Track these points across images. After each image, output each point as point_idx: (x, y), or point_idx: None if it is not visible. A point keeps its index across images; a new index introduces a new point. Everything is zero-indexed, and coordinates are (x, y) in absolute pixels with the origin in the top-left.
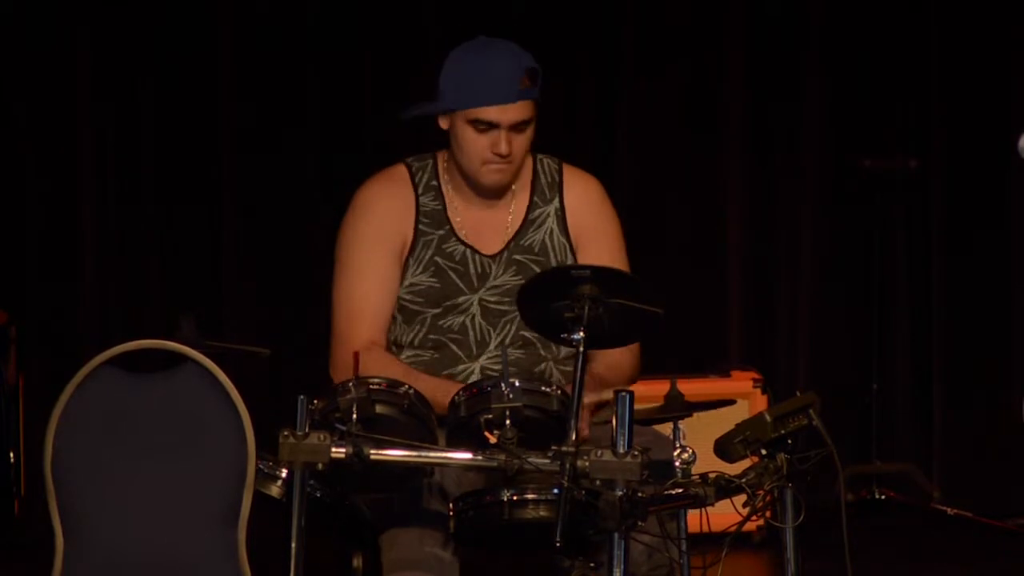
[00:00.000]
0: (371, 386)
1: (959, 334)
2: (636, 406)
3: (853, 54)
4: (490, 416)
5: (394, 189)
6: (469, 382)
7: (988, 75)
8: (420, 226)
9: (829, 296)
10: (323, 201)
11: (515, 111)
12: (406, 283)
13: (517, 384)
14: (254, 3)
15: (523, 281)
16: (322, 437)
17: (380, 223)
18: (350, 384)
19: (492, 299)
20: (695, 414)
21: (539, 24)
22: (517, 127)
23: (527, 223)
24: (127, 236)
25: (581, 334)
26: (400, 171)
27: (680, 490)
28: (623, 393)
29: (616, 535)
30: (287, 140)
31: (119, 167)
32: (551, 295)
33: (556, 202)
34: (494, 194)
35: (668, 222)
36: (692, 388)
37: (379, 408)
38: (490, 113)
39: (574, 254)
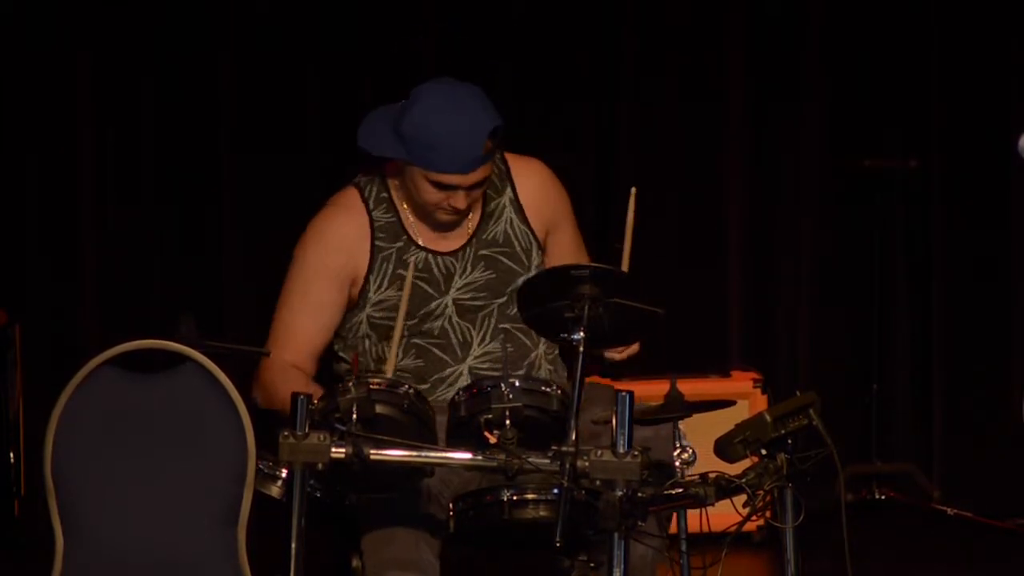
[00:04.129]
0: (371, 386)
1: (959, 334)
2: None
3: (853, 54)
4: (490, 416)
5: (345, 216)
6: (468, 383)
7: (988, 75)
8: (376, 242)
9: (829, 296)
10: (324, 201)
11: (475, 175)
12: (372, 301)
13: (517, 384)
14: (255, 3)
15: (494, 275)
16: (322, 437)
17: (326, 256)
18: (350, 384)
19: (466, 296)
20: (695, 414)
21: (539, 24)
22: (476, 184)
23: (485, 216)
24: (127, 236)
25: (581, 334)
26: (350, 194)
27: (680, 490)
28: (623, 393)
29: (616, 535)
30: (287, 140)
31: (119, 167)
32: (551, 295)
33: (509, 191)
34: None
35: (668, 222)
36: (692, 388)
37: (379, 408)
38: (452, 179)
39: (538, 240)
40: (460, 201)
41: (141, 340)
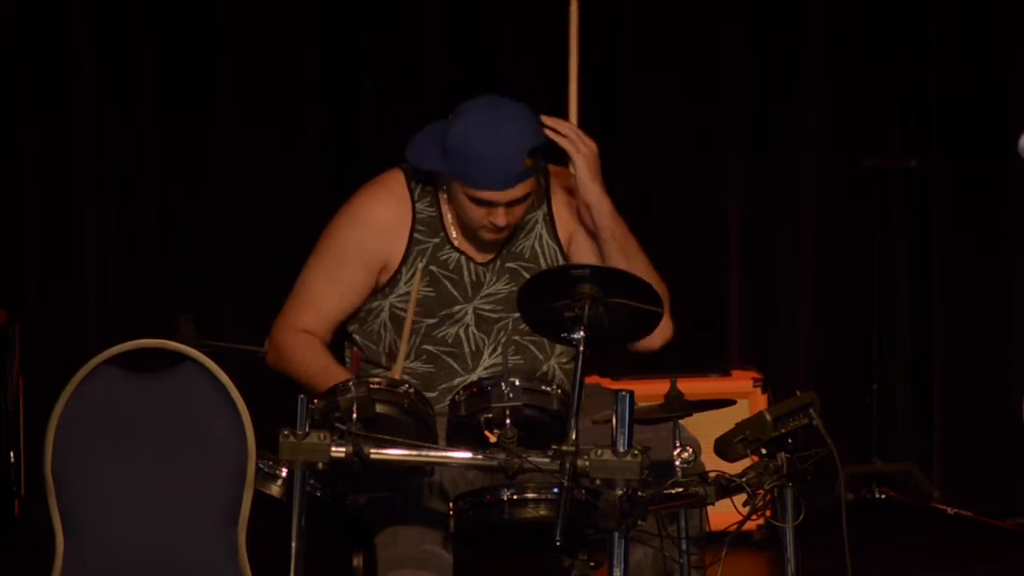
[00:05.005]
0: (371, 385)
1: (959, 334)
2: (636, 405)
3: (853, 54)
4: (490, 415)
5: (390, 200)
6: (469, 382)
7: (988, 75)
8: (415, 235)
9: (829, 296)
10: (324, 201)
11: (513, 192)
12: (399, 292)
13: (517, 383)
14: (255, 3)
15: (516, 289)
16: (322, 437)
17: (363, 239)
18: (350, 384)
19: (486, 307)
20: (695, 414)
21: (539, 24)
22: (516, 201)
23: (517, 229)
24: (127, 236)
25: (581, 334)
26: (396, 178)
27: (680, 490)
28: (623, 393)
29: (616, 535)
30: (288, 140)
31: (119, 167)
32: (551, 295)
33: (544, 207)
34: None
35: (668, 222)
36: (692, 388)
37: (379, 408)
38: (489, 195)
39: (565, 258)
40: (500, 218)
41: (141, 340)
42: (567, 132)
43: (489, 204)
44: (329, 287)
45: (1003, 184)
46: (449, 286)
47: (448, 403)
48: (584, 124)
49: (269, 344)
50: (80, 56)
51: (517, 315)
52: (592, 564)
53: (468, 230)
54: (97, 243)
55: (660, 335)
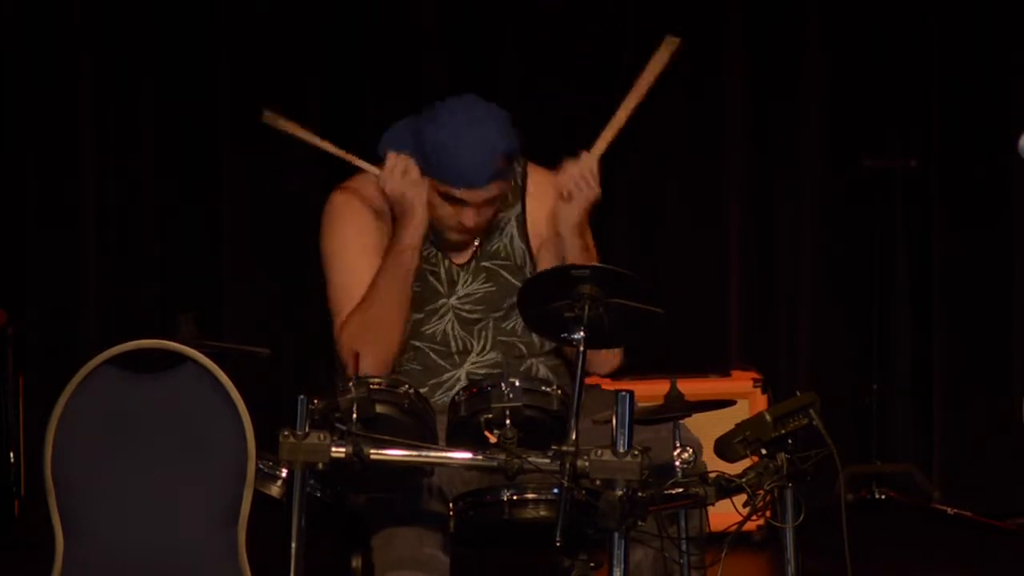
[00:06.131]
0: (371, 386)
1: (959, 334)
2: (636, 405)
3: (853, 54)
4: (490, 416)
5: (368, 192)
6: (469, 382)
7: (988, 75)
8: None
9: (829, 296)
10: (323, 202)
11: (485, 191)
12: None
13: (517, 384)
14: (255, 4)
15: (494, 288)
16: (322, 437)
17: (361, 223)
18: (350, 384)
19: (464, 307)
20: (695, 414)
21: (539, 23)
22: (486, 203)
23: (492, 228)
24: (127, 236)
25: (581, 334)
26: (369, 178)
27: (680, 490)
28: (623, 393)
29: (616, 535)
30: (288, 140)
31: (119, 167)
32: (551, 295)
33: (518, 207)
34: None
35: (668, 222)
36: (692, 388)
37: (379, 408)
38: (459, 192)
39: (532, 259)
40: (468, 218)
41: (141, 340)
42: (573, 172)
43: (459, 202)
44: (360, 282)
45: (1003, 184)
46: (432, 280)
47: (447, 402)
48: (584, 126)
49: (346, 357)
50: (80, 56)
51: (497, 315)
52: (592, 564)
53: (436, 229)
54: (97, 244)
55: (609, 363)
